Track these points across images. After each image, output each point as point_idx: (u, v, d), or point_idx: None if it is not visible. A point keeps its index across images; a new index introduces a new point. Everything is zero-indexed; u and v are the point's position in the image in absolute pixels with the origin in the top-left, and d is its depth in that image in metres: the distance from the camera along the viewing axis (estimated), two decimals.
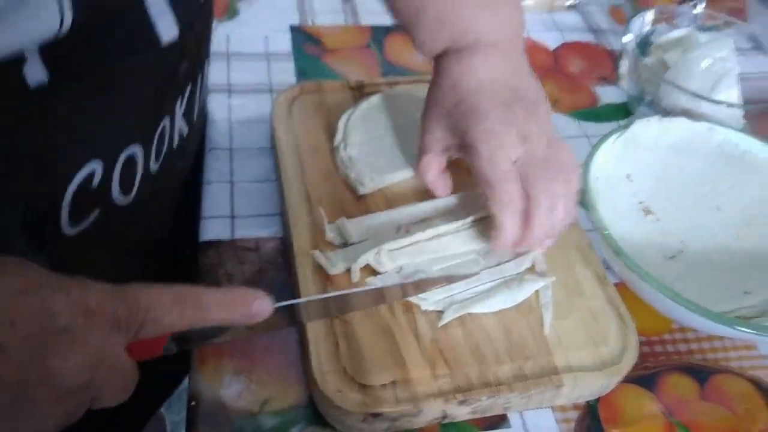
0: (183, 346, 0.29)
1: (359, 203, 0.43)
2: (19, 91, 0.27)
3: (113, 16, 0.29)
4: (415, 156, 0.43)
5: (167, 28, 0.33)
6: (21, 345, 0.23)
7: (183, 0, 0.34)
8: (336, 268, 0.39)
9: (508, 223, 0.36)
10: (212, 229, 0.44)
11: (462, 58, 0.38)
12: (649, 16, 0.57)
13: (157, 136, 0.37)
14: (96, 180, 0.33)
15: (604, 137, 0.45)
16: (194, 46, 0.39)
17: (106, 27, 0.29)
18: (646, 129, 0.46)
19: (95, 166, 0.33)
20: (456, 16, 0.38)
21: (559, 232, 0.38)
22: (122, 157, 0.34)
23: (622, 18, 0.69)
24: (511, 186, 0.35)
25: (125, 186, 0.36)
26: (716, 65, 0.53)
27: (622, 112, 0.57)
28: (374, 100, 0.49)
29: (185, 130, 0.42)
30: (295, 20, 0.62)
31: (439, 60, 0.39)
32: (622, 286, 0.42)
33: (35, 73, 0.27)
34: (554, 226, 0.37)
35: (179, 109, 0.39)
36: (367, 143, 0.46)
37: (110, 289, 0.25)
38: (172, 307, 0.26)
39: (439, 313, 0.38)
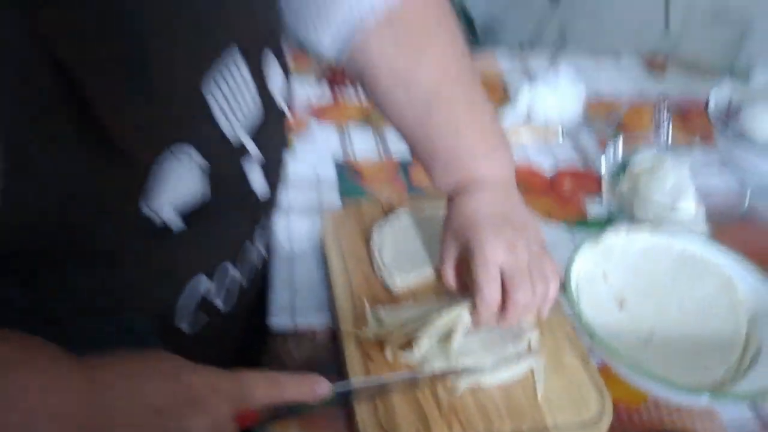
0: (269, 418, 0.41)
1: (392, 297, 0.56)
2: (161, 233, 0.41)
3: (230, 192, 0.44)
4: (433, 259, 0.56)
5: (262, 190, 0.48)
6: (169, 409, 0.36)
7: (274, 171, 0.49)
8: (379, 332, 0.51)
9: (485, 315, 0.48)
10: (278, 321, 0.57)
11: (468, 194, 0.51)
12: (620, 144, 0.71)
13: (245, 257, 0.51)
14: (202, 290, 0.47)
15: (583, 244, 0.58)
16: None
17: (223, 195, 0.43)
18: (617, 238, 0.59)
19: (202, 278, 0.46)
20: (462, 165, 0.52)
21: (528, 325, 0.51)
22: (220, 271, 0.48)
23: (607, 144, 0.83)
24: (493, 286, 0.47)
25: (226, 298, 0.50)
26: (678, 182, 0.65)
27: (606, 223, 0.70)
28: (401, 215, 0.63)
29: (263, 251, 0.56)
30: (339, 155, 0.78)
31: (451, 194, 0.53)
32: (605, 367, 0.53)
33: (176, 223, 0.41)
34: (524, 321, 0.49)
35: (259, 236, 0.53)
36: (396, 249, 0.59)
37: (225, 371, 0.38)
38: (263, 387, 0.39)
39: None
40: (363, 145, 0.80)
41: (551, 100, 0.85)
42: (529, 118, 0.85)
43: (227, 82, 0.40)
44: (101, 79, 0.32)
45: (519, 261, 0.47)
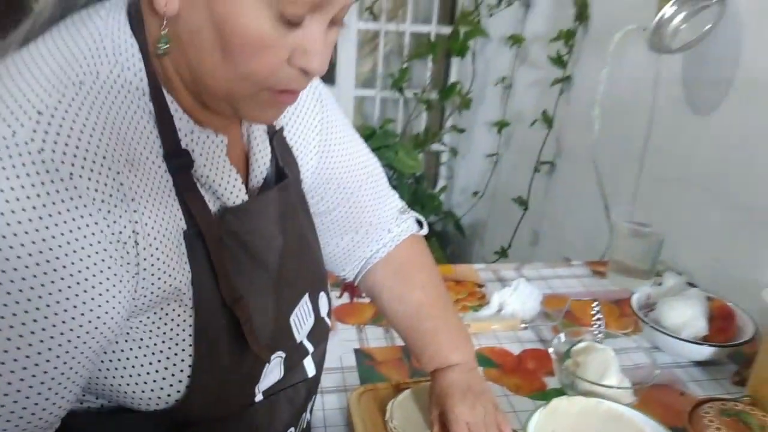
0: None
1: None
2: (252, 404, 0.65)
3: (294, 373, 0.69)
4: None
5: (312, 371, 0.73)
6: None
7: (319, 358, 0.75)
8: None
9: None
10: None
11: (444, 373, 0.77)
12: (565, 333, 0.97)
13: (303, 425, 0.74)
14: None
15: (538, 409, 0.81)
16: None
17: (289, 376, 0.68)
18: (561, 403, 0.82)
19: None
20: (440, 356, 0.79)
21: None
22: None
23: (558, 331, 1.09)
24: None
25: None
26: (605, 361, 0.90)
27: (560, 393, 0.93)
28: (407, 392, 0.87)
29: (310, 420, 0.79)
30: (357, 345, 1.04)
31: (433, 372, 0.79)
32: None
33: (259, 397, 0.65)
34: None
35: (309, 408, 0.77)
36: (404, 419, 0.83)
37: None
38: None
39: None
40: (375, 339, 1.07)
41: (516, 300, 1.13)
42: (500, 313, 1.13)
43: (299, 313, 0.68)
44: (250, 324, 0.59)
45: (478, 416, 0.71)
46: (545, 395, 0.94)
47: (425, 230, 0.89)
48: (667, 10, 1.30)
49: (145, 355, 0.52)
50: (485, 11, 2.28)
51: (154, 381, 0.53)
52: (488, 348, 1.04)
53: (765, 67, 1.14)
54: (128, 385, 0.53)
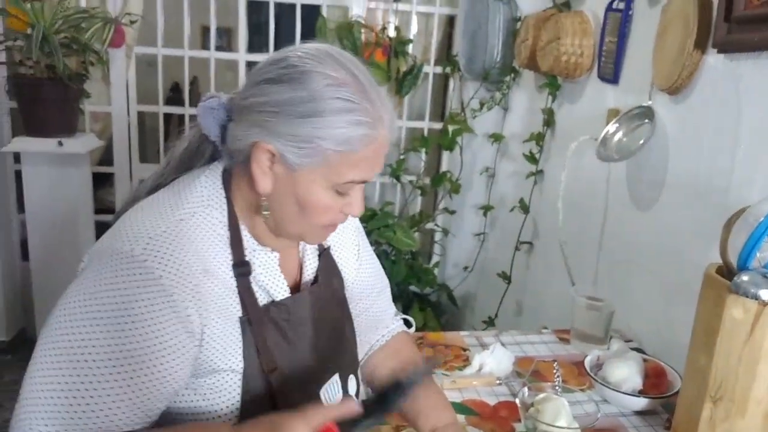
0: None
1: None
2: None
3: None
4: None
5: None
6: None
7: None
8: None
9: None
10: None
11: (442, 426, 0.99)
12: (528, 388, 1.22)
13: None
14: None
15: None
16: None
17: None
18: None
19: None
20: (435, 416, 1.00)
21: None
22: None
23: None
24: None
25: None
26: (557, 410, 1.16)
27: None
28: None
29: None
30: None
31: None
32: None
33: None
34: None
35: None
36: None
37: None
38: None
39: None
40: None
41: (493, 361, 1.40)
42: (480, 372, 1.39)
43: (329, 389, 0.91)
44: (280, 392, 0.83)
45: None
46: None
47: (413, 329, 1.18)
48: (611, 127, 1.64)
49: (207, 406, 0.78)
50: (470, 113, 2.64)
51: (213, 419, 0.79)
52: (470, 400, 1.30)
53: (685, 173, 1.45)
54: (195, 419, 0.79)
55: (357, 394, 1.00)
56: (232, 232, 0.81)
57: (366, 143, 0.76)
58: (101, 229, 2.90)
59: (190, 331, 0.75)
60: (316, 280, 0.94)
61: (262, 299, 0.83)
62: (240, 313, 0.80)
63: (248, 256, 0.82)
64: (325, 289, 0.94)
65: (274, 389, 0.82)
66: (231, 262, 0.80)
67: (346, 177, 0.78)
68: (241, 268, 0.81)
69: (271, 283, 0.85)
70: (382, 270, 1.11)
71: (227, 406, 0.79)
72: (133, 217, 0.79)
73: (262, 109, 0.76)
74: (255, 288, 0.82)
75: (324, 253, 0.96)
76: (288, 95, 0.74)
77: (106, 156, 2.97)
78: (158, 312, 0.72)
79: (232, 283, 0.80)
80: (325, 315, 0.92)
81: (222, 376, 0.79)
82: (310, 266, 0.93)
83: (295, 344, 0.87)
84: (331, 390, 0.93)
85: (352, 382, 0.98)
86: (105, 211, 2.95)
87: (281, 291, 0.86)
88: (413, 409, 1.03)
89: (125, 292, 0.71)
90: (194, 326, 0.75)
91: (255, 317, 0.81)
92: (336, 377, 0.94)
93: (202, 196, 0.80)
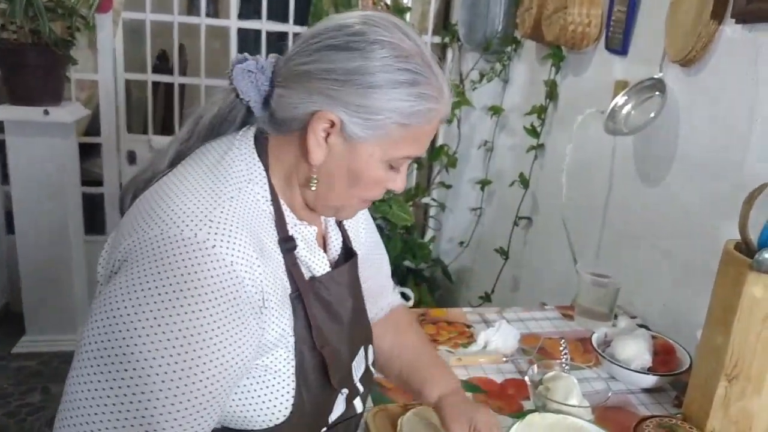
0: None
1: None
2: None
3: (348, 408, 0.90)
4: None
5: (359, 407, 0.95)
6: None
7: (365, 394, 0.95)
8: None
9: None
10: None
11: (455, 397, 0.96)
12: (537, 365, 1.20)
13: None
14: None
15: (516, 422, 1.04)
16: None
17: (349, 411, 0.89)
18: (534, 418, 1.06)
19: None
20: (444, 383, 0.98)
21: None
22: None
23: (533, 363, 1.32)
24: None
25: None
26: (568, 387, 1.14)
27: (533, 411, 1.16)
28: (413, 411, 1.10)
29: None
30: None
31: (437, 403, 0.97)
32: None
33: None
34: None
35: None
36: (412, 431, 1.05)
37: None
38: None
39: None
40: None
41: (499, 338, 1.37)
42: (485, 349, 1.36)
43: (357, 360, 0.90)
44: (331, 366, 0.80)
45: (480, 423, 0.94)
46: (522, 415, 1.17)
47: (411, 302, 1.15)
48: (619, 99, 1.60)
49: (261, 389, 0.74)
50: (469, 85, 2.58)
51: (267, 408, 0.75)
52: (476, 377, 1.28)
53: (697, 147, 1.42)
54: (248, 411, 0.74)
55: (374, 364, 0.98)
56: (275, 208, 0.76)
57: (430, 118, 0.74)
58: (89, 201, 2.82)
59: (259, 320, 0.71)
60: (345, 252, 0.91)
61: (305, 275, 0.80)
62: (289, 290, 0.76)
63: (290, 231, 0.78)
64: (356, 262, 0.92)
65: (324, 368, 0.79)
66: (277, 238, 0.76)
67: (404, 152, 0.75)
68: (288, 244, 0.77)
69: (313, 258, 0.81)
70: (382, 243, 1.09)
71: (283, 387, 0.76)
72: (171, 197, 0.70)
73: (326, 76, 0.71)
74: (299, 263, 0.79)
75: (340, 226, 0.92)
76: (357, 63, 0.70)
77: (92, 126, 2.87)
78: (234, 307, 0.67)
79: (280, 259, 0.76)
80: (356, 287, 0.90)
81: (277, 354, 0.75)
82: (336, 240, 0.89)
83: (338, 318, 0.84)
84: (358, 361, 0.91)
85: (371, 351, 0.96)
86: (91, 183, 2.88)
87: (322, 266, 0.83)
88: (418, 379, 1.01)
89: (197, 284, 0.64)
90: (261, 313, 0.71)
91: (305, 293, 0.78)
92: (362, 348, 0.92)
93: (241, 170, 0.75)
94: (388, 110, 0.71)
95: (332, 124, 0.72)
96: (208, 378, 0.65)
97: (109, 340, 0.64)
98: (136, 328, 0.63)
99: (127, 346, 0.63)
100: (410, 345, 1.07)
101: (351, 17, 0.74)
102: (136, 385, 0.63)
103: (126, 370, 0.63)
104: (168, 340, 0.63)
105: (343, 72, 0.70)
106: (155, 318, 0.63)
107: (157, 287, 0.64)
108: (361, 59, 0.70)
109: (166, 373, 0.63)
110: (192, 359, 0.64)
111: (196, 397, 0.65)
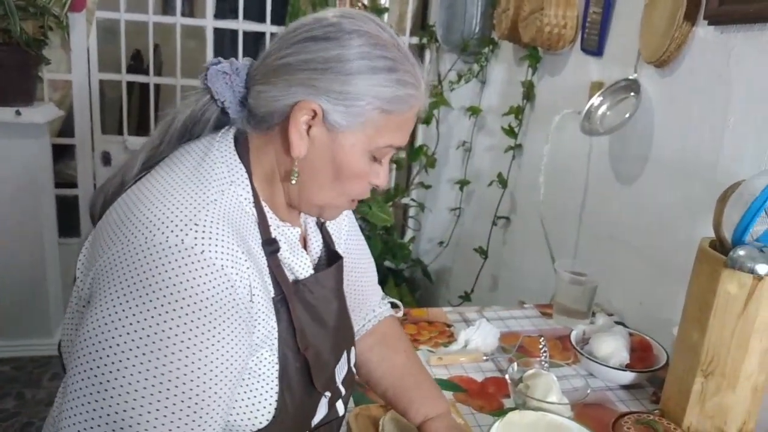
0: None
1: None
2: None
3: (331, 411, 0.89)
4: None
5: (341, 409, 0.94)
6: None
7: (346, 396, 0.94)
8: None
9: None
10: None
11: (440, 420, 0.96)
12: (517, 363, 1.21)
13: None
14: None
15: (497, 421, 1.05)
16: None
17: (331, 414, 0.88)
18: (514, 416, 1.06)
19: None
20: (428, 406, 0.97)
21: None
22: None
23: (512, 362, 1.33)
24: None
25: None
26: (547, 384, 1.15)
27: (512, 410, 1.17)
28: (390, 414, 1.10)
29: None
30: None
31: (422, 423, 0.97)
32: None
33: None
34: None
35: None
36: (393, 431, 1.05)
37: None
38: None
39: None
40: None
41: (479, 337, 1.38)
42: (466, 348, 1.37)
43: (341, 363, 0.89)
44: (315, 369, 0.80)
45: None
46: (503, 413, 1.17)
47: (401, 313, 1.15)
48: (595, 100, 1.62)
49: (245, 392, 0.73)
50: (447, 85, 2.60)
51: (251, 411, 0.74)
52: (457, 376, 1.28)
53: (672, 147, 1.45)
54: (231, 415, 0.73)
55: (355, 365, 0.98)
56: (257, 210, 0.76)
57: (410, 104, 0.76)
58: (63, 203, 2.77)
59: (249, 327, 0.70)
60: (327, 254, 0.91)
61: (288, 277, 0.80)
62: (272, 293, 0.75)
63: (273, 233, 0.77)
64: (342, 265, 0.91)
65: (307, 371, 0.79)
66: (260, 241, 0.75)
67: (387, 140, 0.76)
68: (271, 246, 0.76)
69: (296, 260, 0.81)
70: (368, 248, 1.08)
71: (266, 390, 0.75)
72: (153, 201, 0.68)
73: (306, 67, 0.71)
74: (282, 266, 0.79)
75: (322, 228, 0.91)
76: (336, 52, 0.71)
77: (65, 127, 2.82)
78: (230, 311, 0.66)
79: (263, 262, 0.75)
80: (341, 292, 0.90)
81: (261, 356, 0.74)
82: (316, 242, 0.89)
83: (322, 321, 0.84)
84: (341, 364, 0.90)
85: (353, 353, 0.96)
86: (65, 185, 2.82)
87: (305, 269, 0.82)
88: (404, 399, 1.00)
89: (191, 292, 0.62)
90: (251, 318, 0.71)
91: (289, 296, 0.77)
92: (345, 352, 0.91)
93: (223, 172, 0.74)
94: (370, 96, 0.72)
95: (314, 115, 0.72)
96: (210, 387, 0.64)
97: (101, 366, 0.61)
98: (129, 353, 0.61)
99: (124, 368, 0.61)
100: (398, 365, 1.05)
101: (327, 12, 0.76)
102: (133, 408, 0.61)
103: (120, 395, 0.61)
104: (166, 356, 0.61)
105: (322, 61, 0.71)
106: (152, 330, 0.61)
107: (151, 300, 0.61)
108: (339, 48, 0.71)
109: (162, 386, 0.62)
110: (192, 372, 0.63)
111: (202, 408, 0.64)
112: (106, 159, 2.84)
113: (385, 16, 2.62)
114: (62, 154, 2.88)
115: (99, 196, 0.80)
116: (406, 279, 2.82)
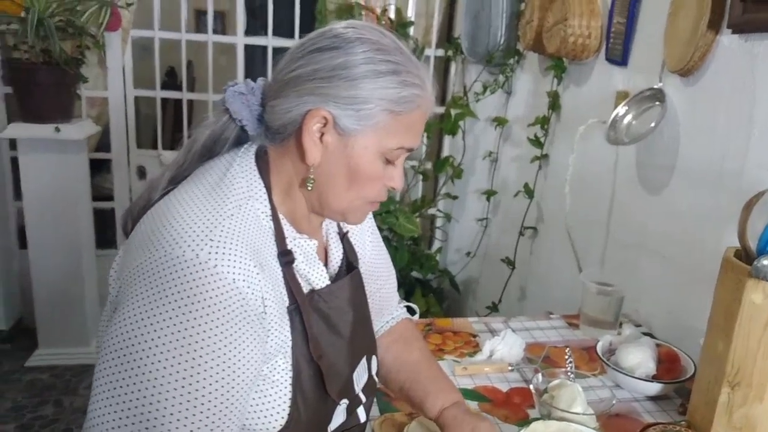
0: None
1: None
2: None
3: (351, 418, 0.92)
4: None
5: (362, 416, 0.96)
6: None
7: (368, 405, 0.97)
8: None
9: None
10: None
11: (458, 409, 0.97)
12: (542, 374, 1.21)
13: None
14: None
15: (522, 428, 1.05)
16: None
17: (351, 420, 0.92)
18: (538, 426, 1.07)
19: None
20: (444, 396, 0.99)
21: None
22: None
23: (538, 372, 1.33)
24: None
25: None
26: (572, 394, 1.15)
27: (537, 420, 1.17)
28: (417, 419, 1.11)
29: None
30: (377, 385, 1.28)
31: (438, 416, 0.98)
32: None
33: None
34: None
35: None
36: None
37: None
38: None
39: None
40: None
41: (504, 347, 1.38)
42: (491, 358, 1.38)
43: (359, 370, 0.91)
44: (328, 377, 0.83)
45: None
46: (527, 423, 1.18)
47: (417, 316, 1.17)
48: (620, 109, 1.62)
49: (259, 397, 0.76)
50: (473, 97, 2.61)
51: (264, 416, 0.77)
52: (482, 386, 1.29)
53: (697, 155, 1.43)
54: (245, 419, 0.76)
55: (377, 374, 1.00)
56: (275, 223, 0.79)
57: (417, 104, 0.78)
58: (100, 216, 2.86)
59: (262, 336, 0.73)
60: (346, 265, 0.93)
61: (304, 288, 0.83)
62: (287, 302, 0.79)
63: (289, 245, 0.81)
64: (358, 275, 0.94)
65: (322, 379, 0.82)
66: (276, 252, 0.78)
67: (398, 141, 0.78)
68: (286, 257, 0.79)
69: (312, 271, 0.84)
70: (389, 255, 1.11)
71: (279, 397, 0.78)
72: (176, 217, 0.72)
73: (314, 76, 0.75)
74: (297, 277, 0.82)
75: (344, 238, 0.94)
76: (341, 59, 0.75)
77: (102, 142, 2.92)
78: (240, 322, 0.69)
79: (279, 273, 0.78)
80: (357, 300, 0.92)
81: (276, 363, 0.78)
82: (336, 252, 0.92)
83: (337, 331, 0.86)
84: (360, 371, 0.93)
85: (374, 362, 0.98)
86: (102, 198, 2.92)
87: (321, 279, 0.85)
88: (420, 393, 1.02)
89: (203, 303, 0.66)
90: (264, 328, 0.74)
91: (303, 306, 0.80)
92: (364, 359, 0.94)
93: (242, 187, 0.77)
94: (377, 98, 0.75)
95: (325, 122, 0.76)
96: (222, 394, 0.68)
97: (122, 364, 0.67)
98: (147, 354, 0.66)
99: (139, 367, 0.66)
100: (413, 360, 1.08)
101: (331, 25, 0.80)
102: (150, 404, 0.66)
103: (140, 390, 0.66)
104: (180, 363, 0.66)
105: (329, 69, 0.75)
106: (167, 336, 0.66)
107: (167, 310, 0.66)
108: (345, 55, 0.75)
109: (175, 389, 0.66)
110: (204, 378, 0.67)
111: (214, 414, 0.68)
112: (142, 173, 2.93)
113: (411, 29, 2.65)
114: (99, 168, 2.98)
115: (129, 214, 0.85)
116: (433, 289, 2.83)
